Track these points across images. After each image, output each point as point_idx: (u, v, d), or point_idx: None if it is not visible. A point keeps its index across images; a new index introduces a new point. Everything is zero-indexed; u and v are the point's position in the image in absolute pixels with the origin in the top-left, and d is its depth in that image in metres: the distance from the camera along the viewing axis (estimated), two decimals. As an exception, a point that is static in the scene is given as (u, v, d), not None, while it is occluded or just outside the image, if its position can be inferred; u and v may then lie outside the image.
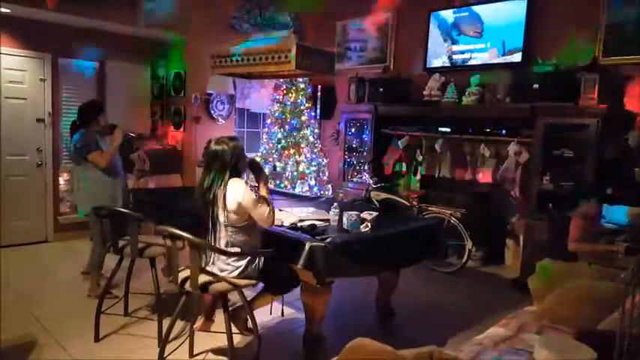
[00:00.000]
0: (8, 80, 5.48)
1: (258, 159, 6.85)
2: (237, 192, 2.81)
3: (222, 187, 2.83)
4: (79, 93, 6.03)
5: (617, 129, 4.54)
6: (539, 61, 5.00)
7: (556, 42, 5.04)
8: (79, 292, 4.20)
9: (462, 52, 5.84)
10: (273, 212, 2.92)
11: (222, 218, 2.84)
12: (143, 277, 4.13)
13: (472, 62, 5.75)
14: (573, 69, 4.67)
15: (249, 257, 2.87)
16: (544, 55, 5.05)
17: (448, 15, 5.95)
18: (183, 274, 2.83)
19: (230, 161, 2.87)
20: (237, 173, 2.91)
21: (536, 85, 4.83)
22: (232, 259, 2.84)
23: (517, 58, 5.32)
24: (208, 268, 2.86)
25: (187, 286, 2.79)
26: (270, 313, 3.79)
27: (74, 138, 4.13)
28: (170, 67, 6.67)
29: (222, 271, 2.84)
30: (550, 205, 4.72)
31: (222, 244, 2.88)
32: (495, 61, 5.52)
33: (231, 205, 2.80)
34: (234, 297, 3.09)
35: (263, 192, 3.00)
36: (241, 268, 2.84)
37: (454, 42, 5.90)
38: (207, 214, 2.87)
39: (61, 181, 6.02)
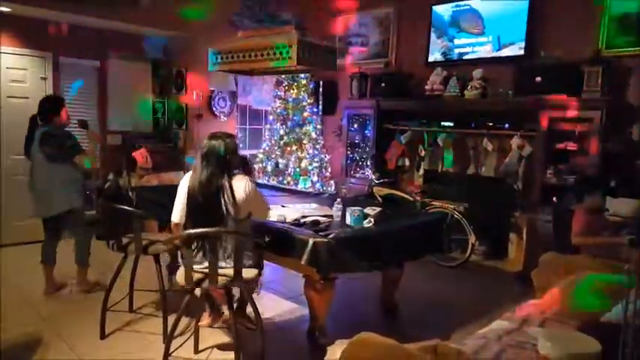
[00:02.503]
0: (10, 79, 5.49)
1: (260, 155, 6.88)
2: (241, 187, 2.85)
3: (226, 180, 2.84)
4: (80, 91, 6.05)
5: (621, 122, 4.52)
6: (542, 56, 4.99)
7: (559, 34, 5.02)
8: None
9: (464, 46, 5.82)
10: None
11: (228, 211, 2.85)
12: (147, 274, 4.14)
13: (474, 56, 5.73)
14: (576, 61, 4.65)
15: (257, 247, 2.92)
16: (547, 47, 5.03)
17: (449, 9, 5.92)
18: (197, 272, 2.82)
19: (225, 157, 2.89)
20: (234, 168, 2.94)
21: (539, 78, 4.82)
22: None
23: (520, 51, 5.30)
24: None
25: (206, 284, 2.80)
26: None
27: (55, 133, 4.01)
28: (172, 65, 6.67)
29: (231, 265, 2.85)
30: (554, 198, 4.71)
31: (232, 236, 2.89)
32: (498, 54, 5.51)
33: (239, 198, 2.83)
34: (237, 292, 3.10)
35: None
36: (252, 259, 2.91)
37: (456, 36, 5.88)
38: (208, 208, 2.84)
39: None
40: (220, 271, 2.77)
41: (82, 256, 4.22)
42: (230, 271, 2.79)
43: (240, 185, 2.86)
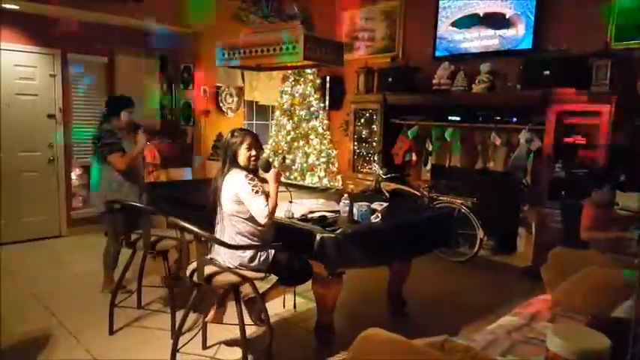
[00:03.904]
0: (19, 77, 5.52)
1: (267, 151, 6.87)
2: (235, 183, 2.84)
3: (222, 177, 2.89)
4: (89, 88, 6.08)
5: (630, 115, 4.48)
6: (550, 49, 4.95)
7: (567, 27, 4.97)
8: (93, 286, 4.24)
9: (471, 40, 5.77)
10: (271, 210, 2.81)
11: (226, 208, 2.87)
12: (156, 270, 4.17)
13: (482, 49, 5.68)
14: (585, 55, 4.61)
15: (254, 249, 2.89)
16: (555, 40, 4.99)
17: (456, 1, 5.88)
18: (193, 266, 2.85)
19: (226, 152, 2.93)
20: (237, 165, 2.93)
21: (547, 72, 4.77)
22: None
23: (528, 44, 5.25)
24: (215, 257, 2.90)
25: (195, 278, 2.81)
26: (284, 307, 3.81)
27: (98, 133, 4.05)
28: (179, 61, 6.67)
29: (229, 261, 2.86)
30: (562, 192, 4.67)
31: (229, 234, 2.89)
32: (506, 47, 5.46)
33: (230, 195, 2.84)
34: (247, 289, 3.10)
35: (270, 188, 2.99)
36: (247, 259, 2.85)
37: (463, 29, 5.84)
38: (214, 203, 2.94)
39: (73, 176, 6.06)
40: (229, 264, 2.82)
41: (106, 257, 4.17)
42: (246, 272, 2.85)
43: (232, 182, 2.85)
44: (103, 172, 4.05)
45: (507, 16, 5.42)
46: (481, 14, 5.66)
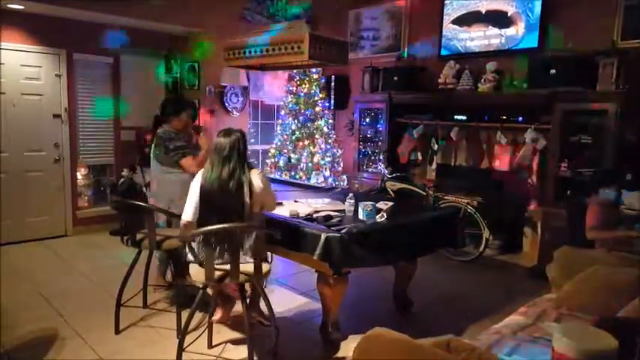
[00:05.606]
0: (25, 77, 5.53)
1: (272, 150, 6.89)
2: (256, 180, 2.87)
3: (245, 175, 2.84)
4: (94, 88, 6.10)
5: (637, 114, 4.45)
6: (555, 49, 4.94)
7: (573, 26, 4.94)
8: (99, 286, 4.27)
9: (477, 39, 5.76)
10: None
11: (246, 206, 2.85)
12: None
13: (487, 48, 5.67)
14: (591, 53, 4.58)
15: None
16: (561, 39, 4.96)
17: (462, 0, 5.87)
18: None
19: (239, 151, 2.89)
20: (248, 163, 2.96)
21: (553, 71, 4.75)
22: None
23: (533, 43, 5.23)
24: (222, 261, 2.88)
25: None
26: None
27: (164, 136, 3.90)
28: (184, 60, 6.68)
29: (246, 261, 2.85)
30: (568, 192, 4.65)
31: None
32: (511, 46, 5.44)
33: (257, 192, 2.85)
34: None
35: None
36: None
37: (469, 28, 5.82)
38: (228, 203, 2.83)
39: (79, 175, 6.09)
40: (241, 267, 2.79)
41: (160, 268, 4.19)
42: (249, 267, 2.81)
43: (256, 179, 2.88)
44: (171, 175, 3.91)
45: (510, 14, 5.41)
46: (488, 12, 5.65)
